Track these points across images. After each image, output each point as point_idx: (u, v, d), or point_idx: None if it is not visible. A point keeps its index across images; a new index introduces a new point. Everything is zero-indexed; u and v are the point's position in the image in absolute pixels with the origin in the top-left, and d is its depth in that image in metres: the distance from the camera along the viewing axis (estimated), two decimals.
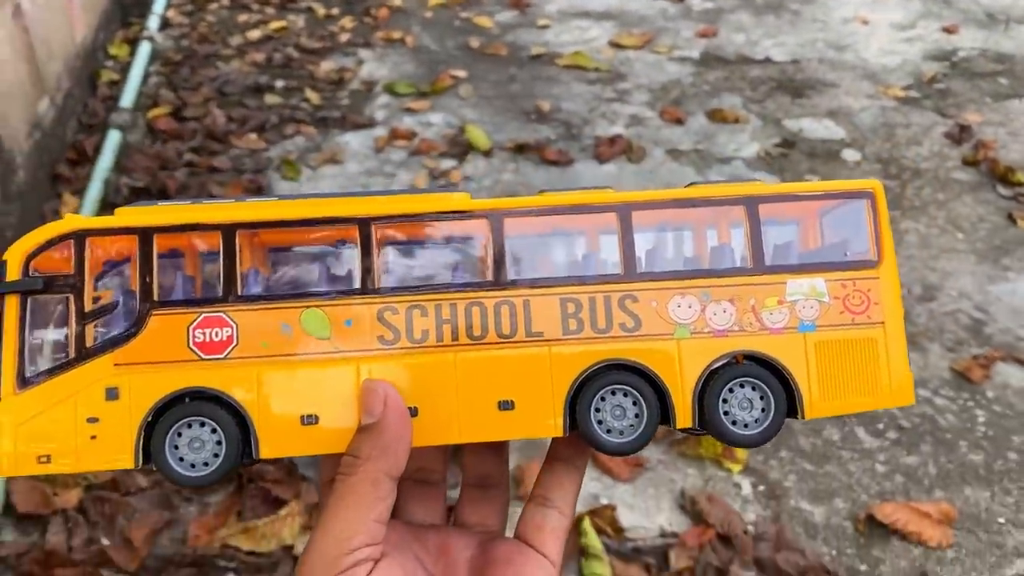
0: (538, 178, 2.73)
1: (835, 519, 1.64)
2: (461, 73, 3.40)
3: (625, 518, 1.61)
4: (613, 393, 0.55)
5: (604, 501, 1.65)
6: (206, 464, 0.53)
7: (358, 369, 0.53)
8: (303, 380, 0.53)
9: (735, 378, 0.56)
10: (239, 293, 0.54)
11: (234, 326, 0.53)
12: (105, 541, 1.50)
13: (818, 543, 1.59)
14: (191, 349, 0.53)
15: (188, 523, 1.55)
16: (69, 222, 0.54)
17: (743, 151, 2.92)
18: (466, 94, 3.26)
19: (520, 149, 2.86)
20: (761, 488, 1.70)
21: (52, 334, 0.53)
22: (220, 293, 0.54)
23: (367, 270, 0.55)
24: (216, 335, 0.53)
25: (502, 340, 0.55)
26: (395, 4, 4.12)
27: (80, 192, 2.48)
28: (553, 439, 0.59)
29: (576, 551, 1.54)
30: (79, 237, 0.53)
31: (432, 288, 0.55)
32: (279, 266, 0.58)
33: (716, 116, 3.11)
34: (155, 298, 0.53)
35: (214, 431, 0.53)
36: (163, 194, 2.49)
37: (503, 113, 3.13)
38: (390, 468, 0.50)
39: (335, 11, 4.03)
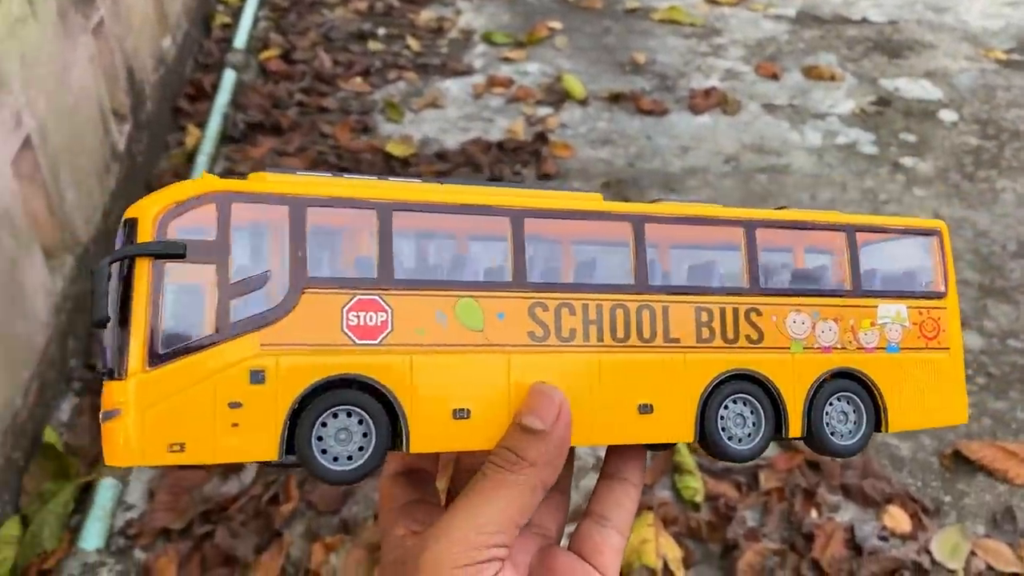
0: (633, 127, 2.80)
1: (921, 454, 1.70)
2: (556, 25, 3.46)
3: None
4: (735, 402, 0.58)
5: None
6: (350, 458, 0.49)
7: (509, 364, 0.51)
8: (456, 372, 0.50)
9: (836, 392, 0.60)
10: (395, 276, 0.50)
11: (389, 311, 0.49)
12: None
13: (903, 475, 1.65)
14: (344, 333, 0.48)
15: None
16: (209, 183, 0.48)
17: (838, 108, 2.94)
18: (561, 45, 3.32)
19: (615, 98, 2.93)
20: None
21: (189, 306, 0.47)
22: (376, 275, 0.49)
23: (519, 264, 0.53)
24: (371, 319, 0.49)
25: (643, 344, 0.55)
26: None
27: (201, 125, 2.63)
28: (608, 454, 0.59)
29: (669, 467, 1.63)
30: (224, 200, 0.47)
31: (579, 287, 0.55)
32: (434, 252, 0.55)
33: (812, 73, 3.12)
34: (308, 274, 0.48)
35: (361, 422, 0.49)
36: (277, 130, 2.63)
37: (598, 64, 3.19)
38: (548, 479, 0.49)
39: None
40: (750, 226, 0.60)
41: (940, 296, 0.65)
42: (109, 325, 0.47)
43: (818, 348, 0.60)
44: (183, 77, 2.90)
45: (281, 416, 0.47)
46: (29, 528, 1.44)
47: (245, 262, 0.48)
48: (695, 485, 1.57)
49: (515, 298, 0.52)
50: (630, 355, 0.55)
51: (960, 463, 1.67)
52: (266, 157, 2.49)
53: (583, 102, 2.92)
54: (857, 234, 0.63)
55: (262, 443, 0.46)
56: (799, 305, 0.60)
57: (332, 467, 0.48)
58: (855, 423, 0.61)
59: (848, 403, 0.61)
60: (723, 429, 0.57)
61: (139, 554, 1.46)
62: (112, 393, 0.47)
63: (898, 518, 1.55)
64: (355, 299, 0.49)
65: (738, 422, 0.58)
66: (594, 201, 0.58)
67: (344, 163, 2.50)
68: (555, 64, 3.18)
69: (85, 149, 1.96)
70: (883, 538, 1.51)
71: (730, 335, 0.58)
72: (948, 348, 0.64)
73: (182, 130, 2.66)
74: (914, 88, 3.07)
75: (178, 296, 0.46)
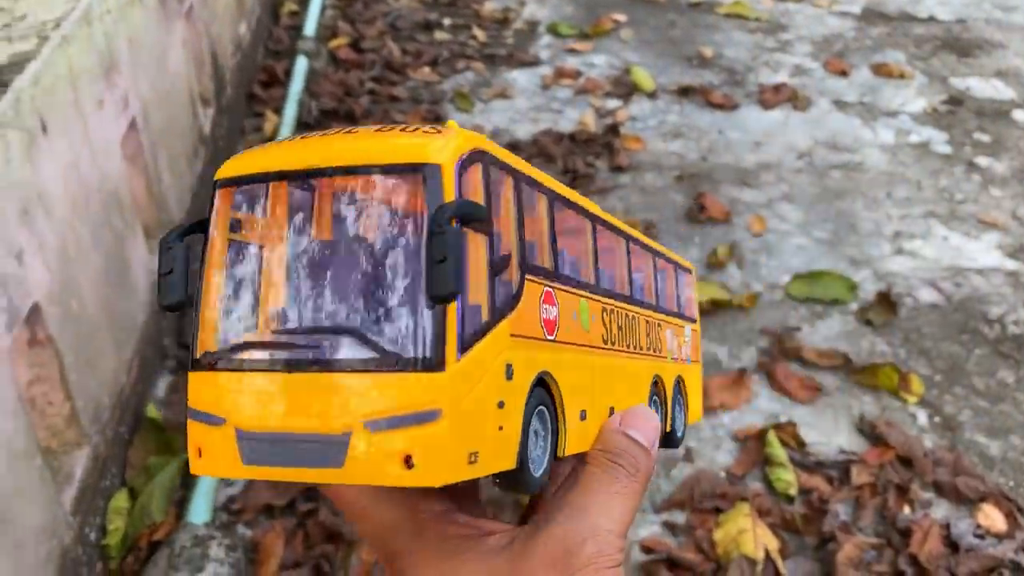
0: (704, 120, 2.79)
1: (1012, 454, 1.69)
2: (621, 17, 3.46)
3: (806, 435, 1.69)
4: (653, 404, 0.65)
5: (783, 419, 1.74)
6: (534, 462, 0.43)
7: (594, 367, 0.50)
8: (580, 372, 0.47)
9: (676, 394, 0.70)
10: (559, 271, 0.46)
11: (557, 306, 0.44)
12: None
13: (995, 474, 1.65)
14: (540, 326, 0.43)
15: None
16: (468, 136, 0.39)
17: (909, 106, 2.91)
18: (627, 37, 3.32)
19: (685, 92, 2.92)
20: (937, 419, 1.76)
21: (469, 279, 0.38)
22: (552, 267, 0.45)
23: (595, 268, 0.53)
24: (551, 313, 0.44)
25: (636, 351, 0.60)
26: None
27: (277, 111, 2.67)
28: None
29: (760, 459, 1.63)
30: (487, 161, 0.40)
31: (617, 296, 0.57)
32: (570, 252, 0.49)
33: (881, 70, 3.10)
34: (527, 260, 0.42)
35: (542, 422, 0.44)
36: (350, 118, 2.66)
37: (664, 57, 3.18)
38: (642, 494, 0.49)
39: None
40: (637, 242, 0.63)
41: (695, 321, 0.78)
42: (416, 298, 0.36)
43: (676, 359, 0.69)
44: (256, 63, 2.94)
45: (520, 416, 0.40)
46: (138, 500, 1.48)
47: (497, 236, 0.41)
48: (788, 478, 1.58)
49: (596, 301, 0.50)
50: (631, 359, 0.59)
51: None
52: None
53: (652, 95, 2.93)
54: (676, 265, 0.74)
55: (508, 450, 0.40)
56: (667, 321, 0.68)
57: (535, 473, 0.42)
58: (682, 420, 0.70)
59: (677, 402, 0.69)
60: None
61: (242, 529, 1.49)
62: (424, 388, 0.36)
63: (993, 517, 1.55)
64: (545, 291, 0.43)
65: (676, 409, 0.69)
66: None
67: None
68: (621, 56, 3.18)
69: (178, 132, 2.00)
70: (979, 536, 1.51)
71: (655, 344, 0.64)
72: (698, 361, 0.77)
73: (257, 116, 2.69)
74: (985, 88, 3.03)
75: (467, 268, 0.37)
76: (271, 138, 2.52)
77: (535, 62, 3.13)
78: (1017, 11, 3.60)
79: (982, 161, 2.63)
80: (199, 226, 0.42)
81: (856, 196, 2.45)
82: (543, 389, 0.43)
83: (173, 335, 1.87)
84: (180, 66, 2.04)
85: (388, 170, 0.37)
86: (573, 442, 0.46)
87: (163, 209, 1.85)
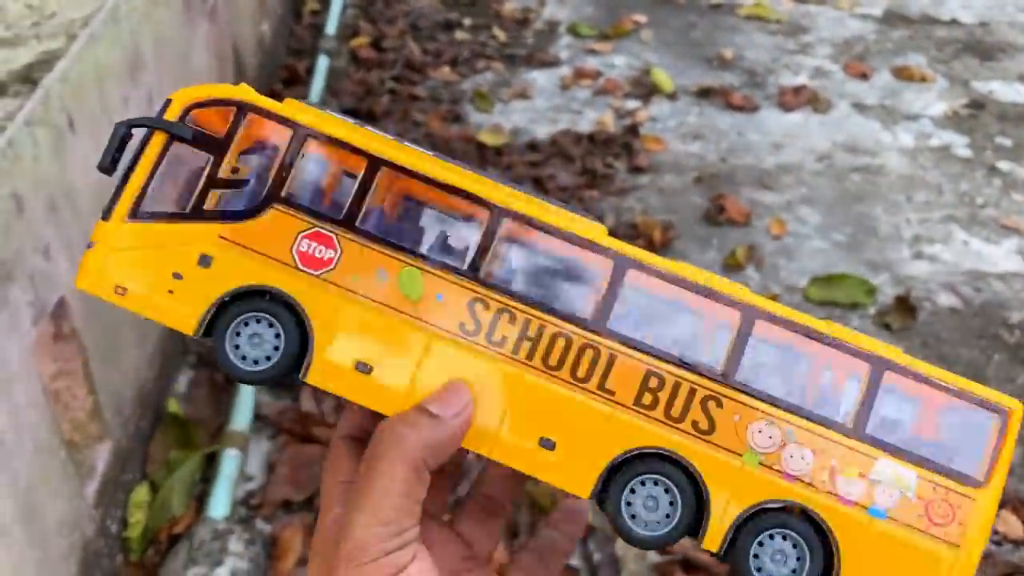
0: (724, 122, 2.79)
1: None
2: (641, 18, 3.46)
3: None
4: (652, 483, 0.52)
5: None
6: (255, 362, 0.53)
7: (428, 345, 0.52)
8: (375, 329, 0.52)
9: (781, 526, 0.51)
10: (356, 224, 0.53)
11: (338, 252, 0.53)
12: None
13: (1013, 480, 1.64)
14: (291, 254, 0.53)
15: None
16: (242, 91, 0.54)
17: (930, 109, 2.90)
18: (647, 38, 3.32)
19: (705, 93, 2.92)
20: None
21: (178, 183, 0.54)
22: (340, 217, 0.53)
23: (479, 257, 0.53)
24: (319, 252, 0.53)
25: (572, 381, 0.52)
26: None
27: None
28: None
29: None
30: (243, 108, 0.54)
31: (531, 301, 0.53)
32: (403, 216, 0.56)
33: (902, 73, 3.08)
34: (282, 193, 0.53)
35: (277, 336, 0.53)
36: (371, 117, 2.67)
37: (685, 58, 3.18)
38: (432, 462, 0.49)
39: None
40: (750, 314, 0.53)
41: (973, 484, 0.51)
42: (116, 176, 0.54)
43: (778, 471, 0.51)
44: (277, 62, 2.96)
45: (210, 300, 0.52)
46: (159, 494, 1.50)
47: (240, 166, 0.55)
48: None
49: (460, 286, 0.52)
50: (553, 385, 0.52)
51: None
52: None
53: (672, 96, 2.92)
54: (887, 372, 0.52)
55: (187, 315, 0.52)
56: (774, 417, 0.51)
57: (236, 363, 0.53)
58: (792, 571, 0.51)
59: (794, 547, 0.51)
60: (628, 503, 0.52)
61: (261, 524, 1.51)
62: (97, 229, 0.54)
63: (1010, 523, 1.54)
64: (313, 229, 0.53)
65: (649, 504, 0.52)
66: (594, 231, 0.54)
67: (438, 151, 2.53)
68: (642, 57, 3.18)
69: None
70: (996, 543, 1.51)
71: (675, 413, 0.52)
72: (958, 545, 0.50)
73: None
74: (1008, 91, 3.02)
75: (173, 174, 0.54)
76: None
77: (555, 62, 3.14)
78: None
79: (1004, 165, 2.62)
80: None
81: (876, 199, 2.44)
82: (278, 306, 0.53)
83: None
84: (203, 64, 2.06)
85: (165, 102, 0.55)
86: (332, 380, 0.53)
87: None
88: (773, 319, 0.53)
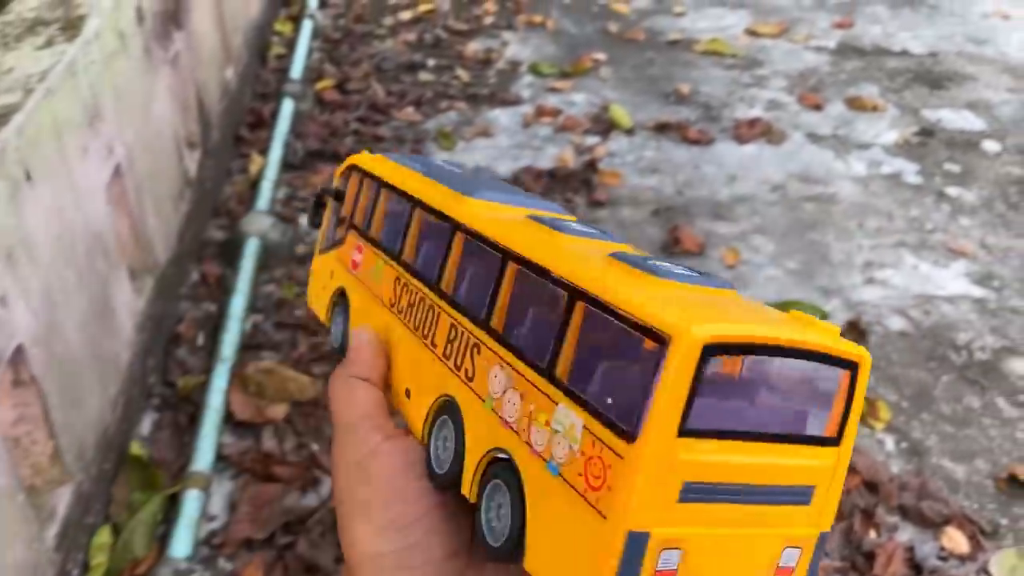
0: (680, 156, 2.86)
1: (976, 477, 1.74)
2: (601, 56, 3.54)
3: None
4: (445, 426, 0.50)
5: None
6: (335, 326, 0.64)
7: (379, 312, 0.60)
8: (366, 305, 0.62)
9: (498, 476, 0.45)
10: (367, 235, 0.63)
11: (363, 255, 0.63)
12: (314, 446, 1.72)
13: (960, 497, 1.69)
14: (351, 260, 0.64)
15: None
16: (355, 158, 0.65)
17: (881, 138, 2.99)
18: (606, 76, 3.40)
19: (662, 128, 3.00)
20: (904, 445, 1.81)
21: (336, 224, 0.67)
22: (368, 231, 0.64)
23: (415, 247, 0.57)
24: (358, 258, 0.64)
25: (418, 332, 0.54)
26: None
27: (262, 152, 2.73)
28: None
29: None
30: (352, 169, 0.66)
31: (416, 274, 0.56)
32: (389, 230, 0.62)
33: (854, 103, 3.18)
34: (354, 224, 0.64)
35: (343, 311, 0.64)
36: (335, 158, 2.72)
37: (643, 94, 3.26)
38: (358, 372, 0.55)
39: None
40: (506, 255, 0.48)
41: (630, 438, 0.36)
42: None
43: (500, 417, 0.45)
44: (243, 106, 3.01)
45: (330, 299, 0.66)
46: (120, 536, 1.51)
47: (344, 207, 0.67)
48: None
49: (392, 268, 0.59)
50: (417, 342, 0.53)
51: (1015, 486, 1.71)
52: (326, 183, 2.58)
53: (630, 132, 3.00)
54: (592, 301, 0.41)
55: (324, 310, 0.67)
56: (506, 361, 0.45)
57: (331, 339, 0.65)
58: (501, 520, 0.44)
59: (498, 491, 0.44)
60: (434, 437, 0.50)
61: (224, 563, 1.53)
62: (312, 263, 0.72)
63: (956, 539, 1.58)
64: (358, 244, 0.63)
65: (443, 444, 0.49)
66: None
67: None
68: (601, 94, 3.26)
69: (163, 176, 2.06)
70: (942, 558, 1.55)
71: (457, 360, 0.49)
72: (605, 516, 0.37)
73: (244, 157, 2.75)
74: (956, 119, 3.11)
75: (336, 218, 0.69)
76: (257, 179, 2.59)
77: (517, 101, 3.21)
78: (987, 44, 3.69)
79: (952, 191, 2.70)
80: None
81: (828, 227, 2.51)
82: (342, 296, 0.64)
83: (158, 373, 1.91)
84: (166, 111, 2.11)
85: (340, 174, 0.68)
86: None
87: (148, 251, 1.90)
88: (523, 261, 0.46)
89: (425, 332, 0.53)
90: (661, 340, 0.36)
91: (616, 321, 0.39)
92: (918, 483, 1.69)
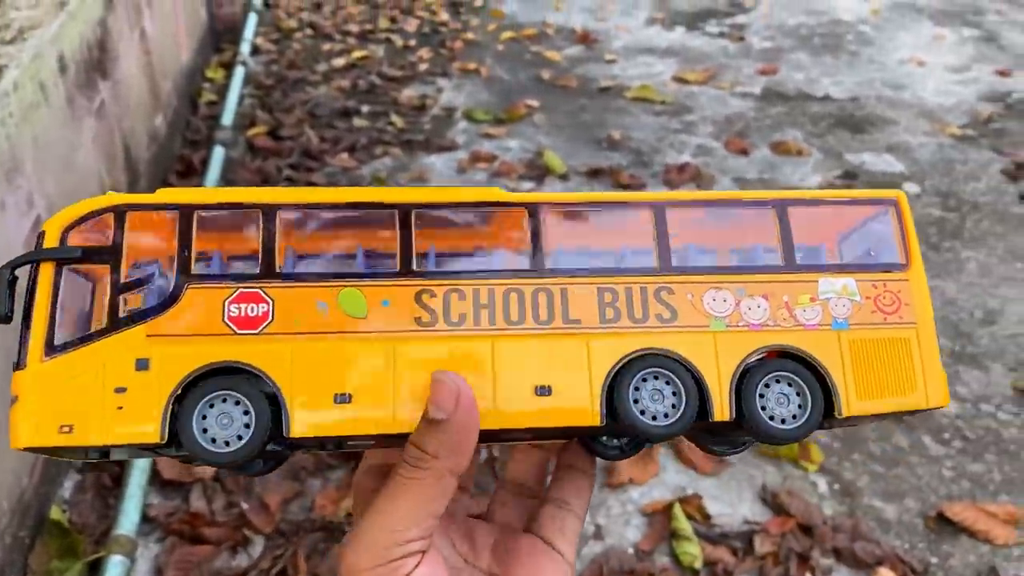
0: None
1: (906, 516, 1.77)
2: (534, 103, 3.59)
3: (711, 507, 1.74)
4: (649, 379, 0.55)
5: (690, 492, 1.78)
6: (226, 443, 0.51)
7: (393, 350, 0.53)
8: (336, 359, 0.52)
9: (771, 373, 0.55)
10: (276, 271, 0.53)
11: (270, 302, 0.52)
12: (244, 505, 1.67)
13: (891, 537, 1.72)
14: (225, 323, 0.52)
15: (315, 494, 1.71)
16: (109, 198, 0.54)
17: (807, 181, 3.07)
18: (540, 122, 3.44)
19: (595, 173, 3.03)
20: (836, 487, 1.83)
21: (84, 304, 0.53)
22: (258, 270, 0.53)
23: (406, 255, 0.55)
24: (252, 310, 0.52)
25: (539, 326, 0.54)
26: (468, 37, 4.33)
27: None
28: (563, 448, 0.62)
29: (667, 533, 1.67)
30: (119, 211, 0.53)
31: (469, 274, 0.55)
32: (319, 248, 0.58)
33: (779, 148, 3.26)
34: (191, 272, 0.53)
35: (246, 411, 0.52)
36: None
37: (576, 140, 3.30)
38: (456, 466, 0.50)
39: (412, 42, 4.26)
40: (659, 208, 0.58)
41: (900, 268, 0.59)
42: (15, 321, 0.52)
43: (744, 326, 0.56)
44: (173, 153, 2.96)
45: (164, 400, 0.51)
46: None
47: (140, 264, 0.54)
48: (693, 551, 1.62)
49: (400, 286, 0.54)
50: (524, 337, 0.54)
51: (944, 525, 1.74)
52: None
53: (564, 177, 3.03)
54: (789, 209, 0.59)
55: (145, 424, 0.50)
56: (718, 283, 0.56)
57: (212, 448, 0.51)
58: (799, 407, 0.55)
59: (789, 385, 0.55)
60: (636, 402, 0.54)
61: None
62: (14, 381, 0.52)
63: None
64: (237, 291, 0.53)
65: (655, 397, 0.55)
66: (493, 193, 0.57)
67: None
68: (535, 140, 3.29)
69: None
70: None
71: (638, 315, 0.55)
72: (914, 323, 0.58)
73: None
74: (878, 162, 3.22)
75: (75, 294, 0.53)
76: None
77: (452, 147, 3.22)
78: (906, 89, 3.84)
79: None
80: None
81: None
82: (234, 377, 0.52)
83: None
84: (90, 162, 2.06)
85: (38, 236, 0.54)
86: (316, 424, 0.52)
87: None
88: (678, 204, 0.58)
89: (542, 318, 0.54)
90: (886, 201, 0.59)
91: (829, 208, 0.59)
92: (851, 524, 1.71)
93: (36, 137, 1.70)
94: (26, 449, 0.50)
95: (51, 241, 0.52)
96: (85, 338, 0.51)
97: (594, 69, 3.99)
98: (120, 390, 0.51)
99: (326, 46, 4.18)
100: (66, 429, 0.50)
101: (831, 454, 1.91)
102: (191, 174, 2.88)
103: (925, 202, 2.95)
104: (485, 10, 4.80)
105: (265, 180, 2.86)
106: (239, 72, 3.61)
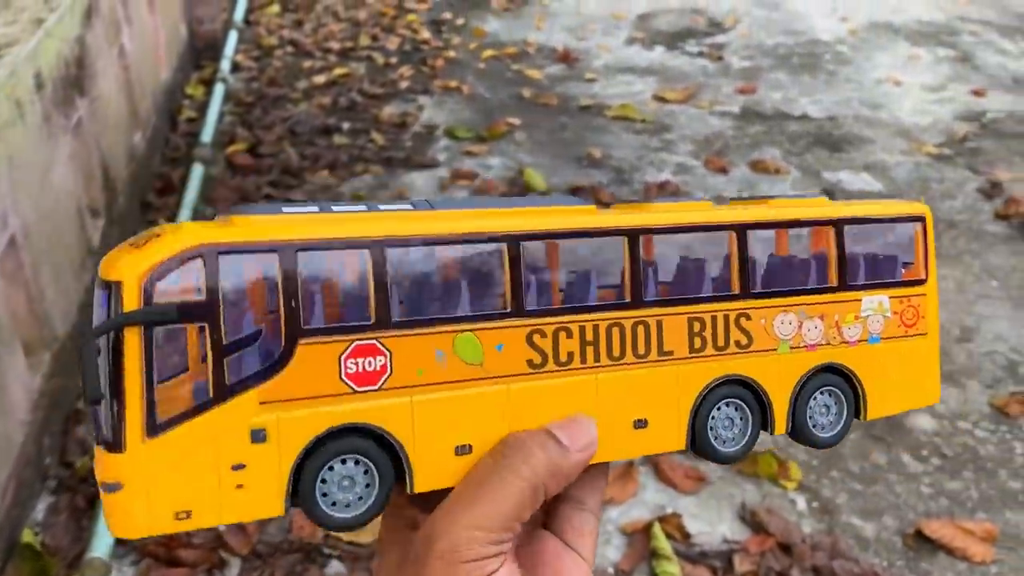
0: None
1: (885, 534, 1.77)
2: (515, 121, 3.60)
3: (690, 526, 1.74)
4: (724, 406, 0.58)
5: (669, 511, 1.78)
6: (347, 506, 0.49)
7: (509, 393, 0.51)
8: (457, 409, 0.50)
9: (820, 387, 0.60)
10: (391, 319, 0.49)
11: (388, 354, 0.48)
12: (221, 527, 1.65)
13: (869, 555, 1.72)
14: (343, 381, 0.47)
15: (292, 516, 1.69)
16: (192, 234, 0.45)
17: None
18: (521, 140, 3.46)
19: (575, 191, 3.04)
20: (815, 504, 1.83)
21: (175, 366, 0.46)
22: (371, 319, 0.49)
23: (516, 291, 0.52)
24: (369, 364, 0.48)
25: (638, 360, 0.55)
26: (450, 55, 4.35)
27: (171, 219, 2.67)
28: None
29: (647, 553, 1.67)
30: (211, 253, 0.45)
31: (575, 310, 0.54)
32: (426, 287, 0.52)
33: (758, 167, 3.29)
34: (302, 325, 0.47)
35: (366, 470, 0.49)
36: None
37: (557, 158, 3.32)
38: (552, 489, 0.51)
39: (393, 60, 4.27)
40: (742, 229, 0.58)
41: (921, 283, 0.64)
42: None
43: (804, 347, 0.59)
44: (152, 171, 2.95)
45: (285, 472, 0.47)
46: None
47: (237, 317, 0.47)
48: (673, 571, 1.61)
49: (512, 328, 0.51)
50: (625, 372, 0.55)
51: (922, 542, 1.75)
52: None
53: (544, 194, 3.04)
54: (845, 227, 0.61)
55: (268, 501, 0.47)
56: (786, 306, 0.59)
57: (336, 514, 0.48)
58: (836, 414, 0.61)
59: (830, 395, 0.61)
60: (710, 429, 0.57)
61: None
62: (111, 466, 0.45)
63: None
64: (353, 345, 0.48)
65: (726, 425, 0.58)
66: (589, 213, 0.56)
67: None
68: (516, 158, 3.30)
69: (64, 247, 1.99)
70: None
71: (720, 342, 0.57)
72: (926, 333, 0.64)
73: (151, 224, 2.69)
74: (856, 180, 3.25)
75: (171, 361, 0.45)
76: None
77: (433, 164, 3.22)
78: (882, 108, 3.88)
79: None
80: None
81: None
82: (354, 438, 0.48)
83: (55, 454, 1.82)
84: (67, 180, 2.05)
85: (99, 282, 0.46)
86: (439, 477, 0.50)
87: (45, 325, 1.82)
88: (761, 226, 0.60)
89: (640, 352, 0.55)
90: (916, 218, 0.64)
91: (869, 225, 0.62)
92: (830, 542, 1.71)
93: (11, 156, 1.69)
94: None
95: (131, 297, 0.43)
96: (192, 412, 0.45)
97: (575, 87, 4.01)
98: (238, 467, 0.46)
99: (307, 63, 4.18)
100: (183, 516, 0.45)
101: (809, 472, 1.92)
102: (169, 191, 2.87)
103: None
104: (467, 28, 4.83)
105: (243, 198, 2.85)
106: (219, 89, 3.61)
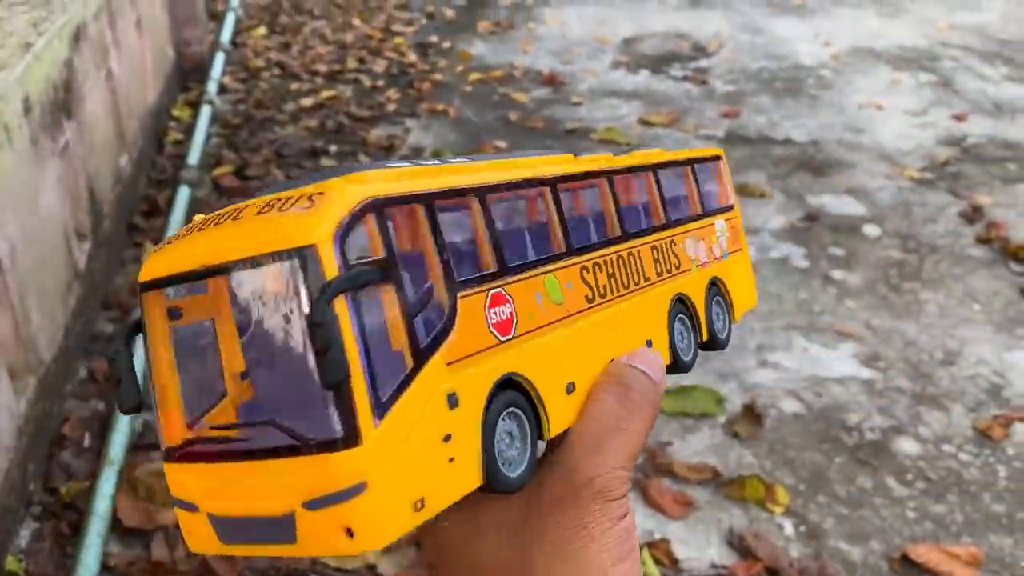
0: None
1: (871, 558, 1.78)
2: (502, 143, 3.62)
3: (678, 551, 1.74)
4: (676, 323, 0.64)
5: (658, 536, 1.78)
6: (511, 464, 0.45)
7: (586, 328, 0.52)
8: (563, 348, 0.50)
9: (714, 296, 0.70)
10: (507, 265, 0.48)
11: (511, 301, 0.47)
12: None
13: None
14: (491, 332, 0.45)
15: None
16: (358, 187, 0.41)
17: (769, 223, 3.12)
18: None
19: None
20: (802, 528, 1.84)
21: (384, 337, 0.40)
22: (496, 267, 0.47)
23: (565, 231, 0.53)
24: (504, 313, 0.46)
25: (637, 287, 0.59)
26: (436, 78, 4.37)
27: (156, 242, 2.66)
28: None
29: None
30: (380, 207, 0.41)
31: (602, 244, 0.57)
32: (517, 233, 0.51)
33: (743, 190, 3.32)
34: (456, 278, 0.44)
35: (518, 423, 0.46)
36: None
37: None
38: (651, 427, 0.53)
39: (380, 83, 4.29)
40: (628, 170, 0.64)
41: (731, 208, 0.76)
42: (291, 381, 0.39)
43: (700, 265, 0.68)
44: (138, 193, 2.94)
45: (479, 438, 0.43)
46: None
47: (413, 274, 0.43)
48: None
49: (571, 266, 0.52)
50: (641, 296, 0.59)
51: (908, 567, 1.75)
52: None
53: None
54: (695, 167, 0.72)
55: (471, 472, 0.43)
56: (687, 231, 0.68)
57: (511, 474, 0.45)
58: (723, 319, 0.69)
59: (718, 304, 0.69)
60: (675, 344, 0.62)
61: None
62: (347, 465, 0.38)
63: None
64: (490, 295, 0.46)
65: (682, 336, 0.63)
66: (574, 160, 0.60)
67: None
68: None
69: (50, 270, 1.98)
70: None
71: (669, 266, 0.64)
72: (741, 249, 0.76)
73: (138, 247, 2.68)
74: (839, 204, 3.28)
75: (375, 330, 0.39)
76: None
77: None
78: (865, 133, 3.93)
79: (837, 274, 2.82)
80: (138, 327, 0.45)
81: None
82: (510, 390, 0.46)
83: (39, 480, 1.81)
84: (54, 204, 2.04)
85: (262, 262, 0.39)
86: (560, 419, 0.49)
87: (31, 349, 1.81)
88: (666, 165, 0.68)
89: (634, 280, 0.60)
90: (718, 158, 0.76)
91: (701, 164, 0.72)
92: (817, 567, 1.72)
93: None
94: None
95: (330, 261, 0.38)
96: (404, 383, 0.40)
97: (561, 111, 4.04)
98: (447, 438, 0.41)
99: (294, 85, 4.19)
100: (420, 506, 0.40)
101: (796, 495, 1.92)
102: (156, 214, 2.86)
103: (885, 244, 3.01)
104: (453, 52, 4.86)
105: None
106: (206, 111, 3.61)
